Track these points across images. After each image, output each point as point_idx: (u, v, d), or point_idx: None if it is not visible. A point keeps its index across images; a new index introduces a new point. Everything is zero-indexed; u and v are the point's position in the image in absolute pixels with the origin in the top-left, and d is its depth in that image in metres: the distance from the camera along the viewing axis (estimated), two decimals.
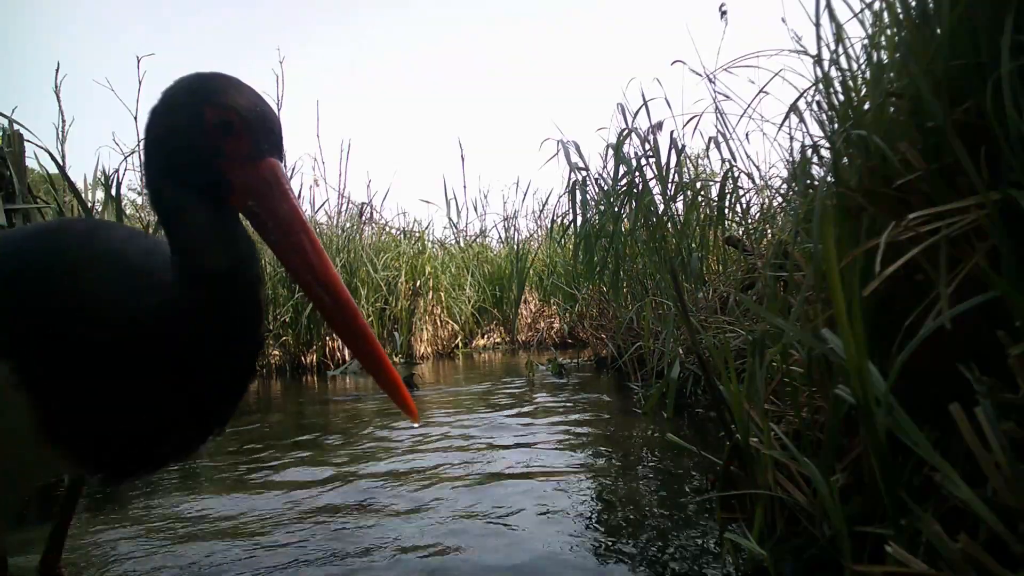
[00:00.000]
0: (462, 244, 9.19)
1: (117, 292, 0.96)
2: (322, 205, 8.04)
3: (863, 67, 1.66)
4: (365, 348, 1.04)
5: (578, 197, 4.69)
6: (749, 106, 2.75)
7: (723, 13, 3.76)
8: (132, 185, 7.87)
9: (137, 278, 0.98)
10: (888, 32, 1.57)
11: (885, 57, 1.58)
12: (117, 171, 4.70)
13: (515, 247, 8.61)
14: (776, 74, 2.36)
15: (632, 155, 4.19)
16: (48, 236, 1.06)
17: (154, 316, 0.94)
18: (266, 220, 1.00)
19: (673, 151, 4.11)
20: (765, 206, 3.88)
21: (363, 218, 7.94)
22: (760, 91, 2.56)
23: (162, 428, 1.00)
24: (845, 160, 1.60)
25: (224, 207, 1.01)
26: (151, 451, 1.03)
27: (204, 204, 0.98)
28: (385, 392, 1.05)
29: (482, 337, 8.34)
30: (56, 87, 5.19)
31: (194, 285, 0.96)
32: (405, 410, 1.04)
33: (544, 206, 9.77)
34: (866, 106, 1.55)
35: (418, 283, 7.24)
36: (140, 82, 5.88)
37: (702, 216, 4.15)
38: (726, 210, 3.95)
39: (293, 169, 7.72)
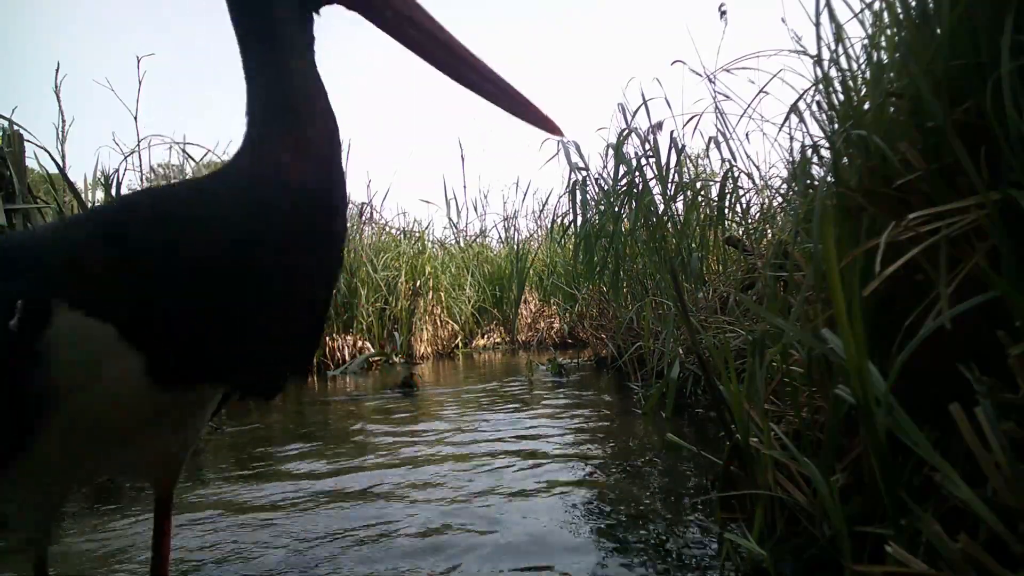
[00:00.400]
0: (462, 244, 9.20)
1: (202, 205, 0.92)
2: None
3: (863, 67, 1.66)
4: (513, 95, 1.02)
5: (578, 197, 4.69)
6: (749, 106, 2.76)
7: (723, 13, 3.77)
8: (132, 185, 7.86)
9: (214, 192, 0.94)
10: (888, 32, 1.57)
11: (885, 57, 1.58)
12: (117, 171, 4.71)
13: (515, 247, 8.61)
14: (776, 74, 2.37)
15: (632, 155, 4.20)
16: (128, 197, 1.05)
17: (236, 202, 0.90)
18: (377, 2, 0.99)
19: (673, 151, 4.11)
20: (765, 206, 3.89)
21: (363, 218, 7.95)
22: (760, 91, 2.57)
23: (271, 339, 0.96)
24: (845, 160, 1.60)
25: (311, 20, 0.98)
26: (267, 362, 1.00)
27: (297, 16, 0.95)
28: (530, 122, 1.03)
29: (482, 337, 8.34)
30: (56, 87, 5.19)
31: (269, 129, 0.91)
32: (543, 124, 1.02)
33: (544, 206, 9.78)
34: (866, 106, 1.55)
35: (418, 283, 7.24)
36: (140, 82, 5.88)
37: (702, 216, 4.16)
38: (726, 210, 3.95)
39: None
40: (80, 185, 5.71)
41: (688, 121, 4.16)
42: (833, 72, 1.69)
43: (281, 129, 0.92)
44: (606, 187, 4.58)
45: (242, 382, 1.02)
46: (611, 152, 4.33)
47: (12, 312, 0.89)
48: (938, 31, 1.32)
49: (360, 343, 6.56)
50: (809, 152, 2.01)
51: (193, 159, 6.11)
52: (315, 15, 1.01)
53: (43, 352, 0.89)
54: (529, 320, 8.49)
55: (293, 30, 0.95)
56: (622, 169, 4.20)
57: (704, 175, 4.78)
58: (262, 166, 0.91)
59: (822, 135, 1.91)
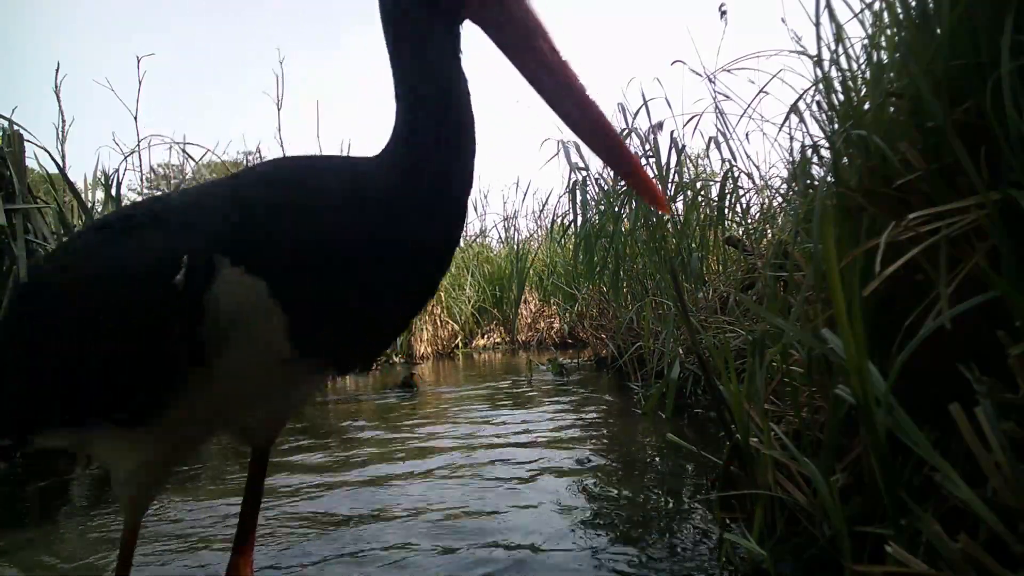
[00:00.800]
0: (462, 244, 9.19)
1: (343, 190, 0.97)
2: None
3: (863, 67, 1.66)
4: (618, 152, 1.03)
5: (578, 197, 4.69)
6: (749, 106, 2.76)
7: (723, 13, 3.77)
8: (132, 185, 7.88)
9: (359, 176, 0.99)
10: (888, 32, 1.57)
11: (885, 57, 1.58)
12: (117, 171, 4.70)
13: (515, 247, 8.61)
14: (776, 75, 2.37)
15: None
16: (276, 166, 1.08)
17: (377, 188, 0.96)
18: (501, 24, 1.00)
19: (673, 151, 4.11)
20: (765, 206, 3.89)
21: None
22: (760, 91, 2.57)
23: (386, 310, 1.02)
24: (845, 160, 1.60)
25: (457, 26, 1.00)
26: (376, 340, 1.08)
27: (440, 21, 0.98)
28: (635, 189, 1.06)
29: (482, 337, 8.34)
30: (56, 87, 5.18)
31: (418, 121, 0.96)
32: (651, 199, 1.04)
33: (544, 206, 9.78)
34: (866, 106, 1.55)
35: None
36: (140, 82, 5.88)
37: (702, 216, 4.15)
38: (726, 210, 3.95)
39: None
40: (80, 185, 5.70)
41: (688, 121, 4.16)
42: (833, 72, 1.69)
43: (429, 128, 0.96)
44: (606, 187, 4.58)
45: (359, 354, 1.09)
46: None
47: (176, 267, 0.92)
48: (938, 31, 1.31)
49: None
50: (809, 152, 2.01)
51: (193, 159, 6.11)
52: (459, 28, 1.03)
53: (205, 308, 0.93)
54: (529, 320, 8.48)
55: (440, 38, 0.99)
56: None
57: (704, 175, 4.78)
58: (412, 159, 0.96)
59: (822, 135, 1.91)
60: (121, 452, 1.13)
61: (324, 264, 0.94)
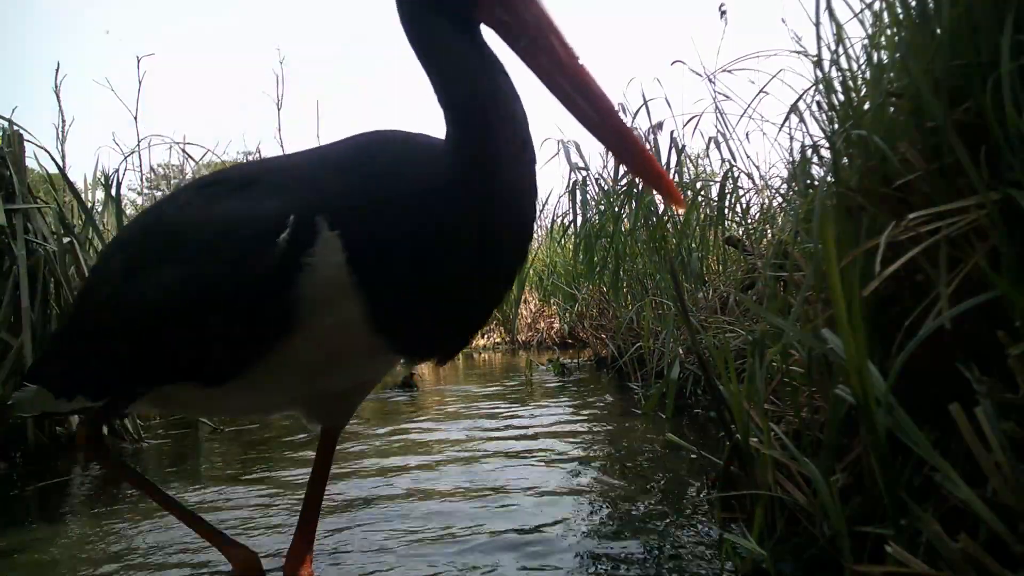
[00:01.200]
0: None
1: (419, 173, 0.98)
2: None
3: (863, 67, 1.66)
4: (632, 150, 1.02)
5: (578, 197, 4.69)
6: (749, 106, 2.76)
7: (723, 13, 3.77)
8: (132, 185, 7.88)
9: (426, 160, 1.01)
10: (888, 32, 1.57)
11: (885, 57, 1.58)
12: (117, 171, 4.70)
13: None
14: (776, 75, 2.37)
15: None
16: (363, 141, 1.09)
17: (445, 179, 0.96)
18: (514, 26, 0.99)
19: (673, 151, 4.11)
20: (765, 206, 3.88)
21: None
22: (760, 91, 2.57)
23: (470, 300, 1.03)
24: (845, 160, 1.60)
25: (475, 29, 1.01)
26: (460, 327, 1.08)
27: (456, 28, 0.98)
28: (653, 187, 1.06)
29: (482, 337, 8.33)
30: (56, 87, 5.19)
31: (464, 122, 0.96)
32: (669, 197, 1.03)
33: (544, 206, 9.75)
34: (866, 106, 1.55)
35: None
36: (140, 82, 5.88)
37: (702, 216, 4.15)
38: (726, 210, 3.95)
39: None
40: (80, 185, 5.69)
41: (688, 121, 4.16)
42: (833, 72, 1.69)
43: (473, 136, 0.96)
44: (606, 187, 4.58)
45: (440, 341, 1.09)
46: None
47: (281, 227, 0.94)
48: (938, 31, 1.31)
49: None
50: (809, 152, 2.01)
51: (193, 159, 6.11)
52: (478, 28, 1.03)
53: (302, 269, 0.94)
54: (529, 320, 8.48)
55: (461, 41, 0.99)
56: (622, 169, 4.20)
57: (704, 175, 4.78)
58: (467, 162, 0.96)
59: (822, 135, 1.91)
60: (202, 406, 1.24)
61: (413, 240, 0.95)
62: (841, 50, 1.63)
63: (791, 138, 2.43)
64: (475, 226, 0.97)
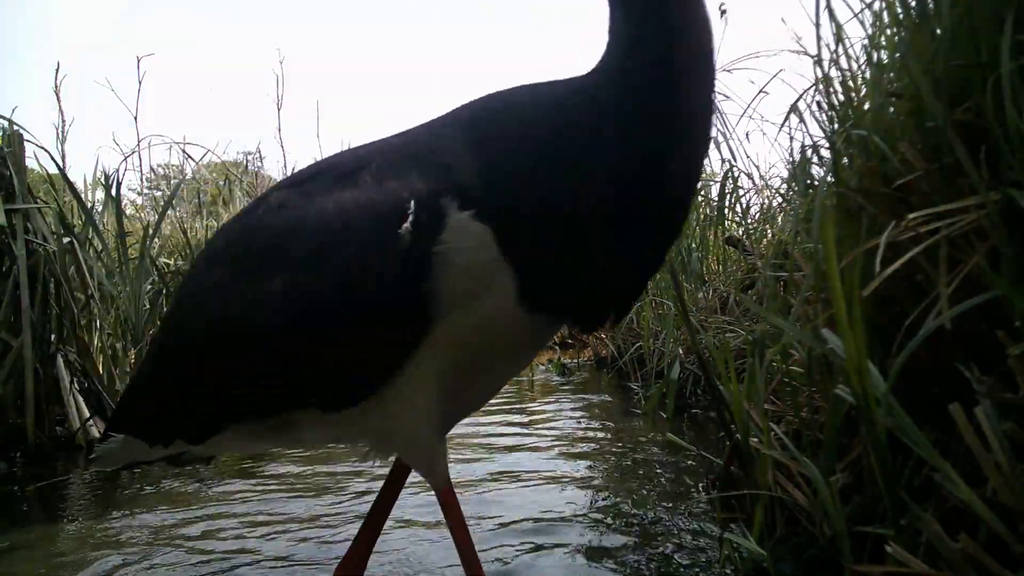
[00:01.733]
0: None
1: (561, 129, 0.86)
2: None
3: (863, 67, 1.66)
4: None
5: None
6: (749, 106, 2.76)
7: (723, 13, 3.77)
8: (132, 185, 7.87)
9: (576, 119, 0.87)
10: (888, 32, 1.57)
11: (885, 57, 1.58)
12: (117, 171, 4.70)
13: None
14: (776, 75, 2.37)
15: None
16: (494, 99, 0.96)
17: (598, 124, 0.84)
18: None
19: None
20: (765, 206, 3.89)
21: None
22: (760, 91, 2.57)
23: (629, 256, 0.90)
24: (845, 160, 1.60)
25: None
26: (636, 274, 0.95)
27: None
28: None
29: None
30: (56, 87, 5.19)
31: (640, 21, 0.82)
32: None
33: None
34: (866, 106, 1.55)
35: None
36: (140, 82, 5.89)
37: (702, 216, 4.15)
38: (726, 210, 3.95)
39: (293, 169, 7.73)
40: (80, 185, 5.70)
41: None
42: (833, 72, 1.69)
43: (668, 30, 0.82)
44: None
45: (600, 306, 0.96)
46: None
47: (401, 216, 0.83)
48: (938, 31, 1.31)
49: None
50: (809, 152, 2.01)
51: (193, 159, 6.12)
52: None
53: (436, 259, 0.83)
54: None
55: None
56: None
57: (704, 175, 4.78)
58: (639, 79, 0.83)
59: (822, 135, 1.91)
60: (327, 435, 1.01)
61: (565, 206, 0.83)
62: (841, 50, 1.63)
63: (791, 138, 2.43)
64: (647, 157, 0.83)
